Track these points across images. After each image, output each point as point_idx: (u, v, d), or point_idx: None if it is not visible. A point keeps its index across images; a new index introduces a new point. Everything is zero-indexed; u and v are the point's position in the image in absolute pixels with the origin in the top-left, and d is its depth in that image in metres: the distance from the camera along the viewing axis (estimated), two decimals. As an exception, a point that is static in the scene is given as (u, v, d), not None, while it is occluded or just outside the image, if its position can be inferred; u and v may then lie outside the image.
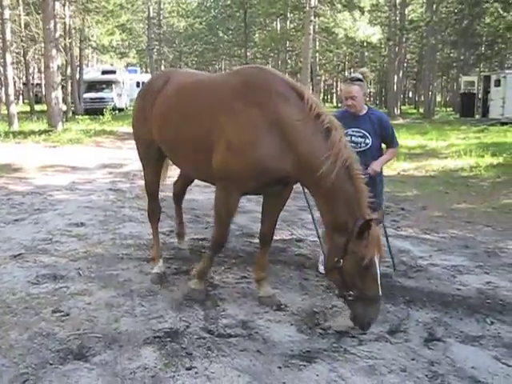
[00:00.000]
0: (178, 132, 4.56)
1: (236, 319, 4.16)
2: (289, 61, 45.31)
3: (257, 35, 47.78)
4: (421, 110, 44.93)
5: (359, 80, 4.91)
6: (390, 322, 4.19)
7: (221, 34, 50.03)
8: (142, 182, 5.65)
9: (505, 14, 17.05)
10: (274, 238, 5.11)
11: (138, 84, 41.07)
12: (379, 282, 3.83)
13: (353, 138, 4.93)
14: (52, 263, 5.47)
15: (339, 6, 24.31)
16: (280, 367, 3.46)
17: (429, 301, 4.62)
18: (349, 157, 3.85)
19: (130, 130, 6.05)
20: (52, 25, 19.62)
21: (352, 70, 55.18)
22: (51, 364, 3.47)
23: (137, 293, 4.72)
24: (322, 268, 5.10)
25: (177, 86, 4.79)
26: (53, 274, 5.14)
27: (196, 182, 5.96)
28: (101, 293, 4.70)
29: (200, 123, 4.33)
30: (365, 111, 5.04)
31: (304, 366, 3.49)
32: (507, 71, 30.57)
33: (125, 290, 4.79)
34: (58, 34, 20.87)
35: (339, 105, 45.80)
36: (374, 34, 24.79)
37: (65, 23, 27.16)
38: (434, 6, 36.70)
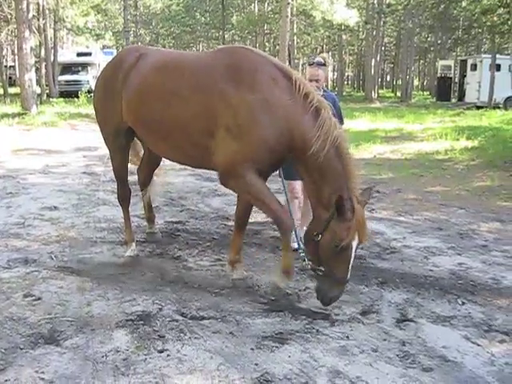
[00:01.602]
0: (161, 114, 4.35)
1: (209, 301, 4.15)
2: (266, 44, 45.12)
3: (234, 17, 47.41)
4: (398, 94, 45.19)
5: (324, 65, 5.35)
6: (362, 302, 4.23)
7: (198, 16, 49.45)
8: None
9: (480, -2, 17.20)
10: (249, 220, 5.10)
11: (114, 66, 40.37)
12: (350, 266, 3.87)
13: None
14: (24, 247, 5.39)
15: (317, -11, 24.21)
16: (252, 349, 3.46)
17: (401, 282, 4.67)
18: (338, 136, 3.89)
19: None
20: (25, 5, 19.15)
21: (329, 53, 55.19)
22: (22, 348, 3.42)
23: (110, 276, 4.68)
24: (294, 245, 5.18)
25: (156, 63, 4.54)
26: (24, 258, 5.07)
27: (171, 164, 5.91)
28: (73, 277, 4.65)
29: (189, 106, 4.17)
30: (321, 92, 5.24)
31: (276, 347, 3.50)
32: (483, 55, 30.84)
33: (98, 273, 4.75)
34: (31, 15, 20.42)
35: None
36: (352, 17, 24.72)
37: (38, 4, 26.53)
38: (412, -10, 36.77)
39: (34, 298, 4.18)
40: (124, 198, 5.29)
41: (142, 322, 3.77)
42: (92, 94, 6.01)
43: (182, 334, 3.62)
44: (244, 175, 4.03)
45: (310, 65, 5.37)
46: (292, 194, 5.53)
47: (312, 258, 4.04)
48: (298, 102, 3.92)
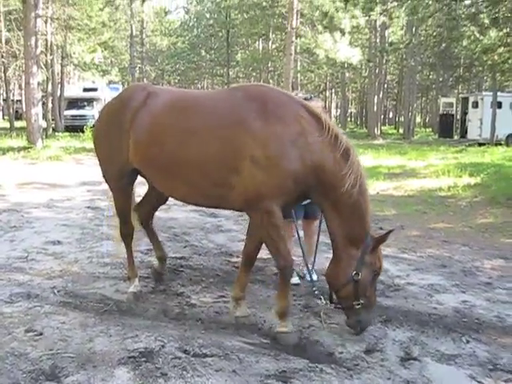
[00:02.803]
0: (177, 154, 4.25)
1: (212, 339, 4.12)
2: (271, 80, 45.64)
3: (239, 55, 48.16)
4: (401, 131, 45.48)
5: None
6: (366, 341, 4.19)
7: (203, 53, 50.33)
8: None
9: (481, 38, 17.37)
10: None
11: (119, 101, 40.79)
12: None
13: None
14: (27, 282, 5.38)
15: (320, 28, 24.48)
16: (255, 387, 3.43)
17: (405, 320, 4.63)
18: (362, 174, 4.08)
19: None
20: (33, 41, 19.57)
21: (332, 90, 55.79)
22: (22, 385, 3.39)
23: (112, 312, 4.66)
24: (295, 279, 5.47)
25: (168, 103, 4.47)
26: (27, 292, 5.05)
27: (175, 200, 5.92)
28: (75, 312, 4.63)
29: (210, 143, 4.10)
30: None
31: (280, 386, 3.46)
32: (484, 93, 31.16)
33: (100, 309, 4.73)
34: (39, 51, 20.77)
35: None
36: (354, 56, 24.99)
37: (46, 40, 27.07)
38: (414, 29, 37.37)
39: (35, 333, 4.15)
40: (127, 235, 5.22)
41: (144, 359, 3.74)
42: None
43: (184, 372, 3.58)
44: (268, 209, 4.01)
45: (308, 99, 5.51)
46: (291, 233, 5.61)
47: (349, 296, 4.12)
48: (329, 142, 4.01)
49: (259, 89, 4.46)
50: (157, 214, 5.86)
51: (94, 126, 5.29)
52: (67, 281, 5.47)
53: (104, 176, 5.08)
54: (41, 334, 4.15)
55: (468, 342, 4.22)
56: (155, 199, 5.47)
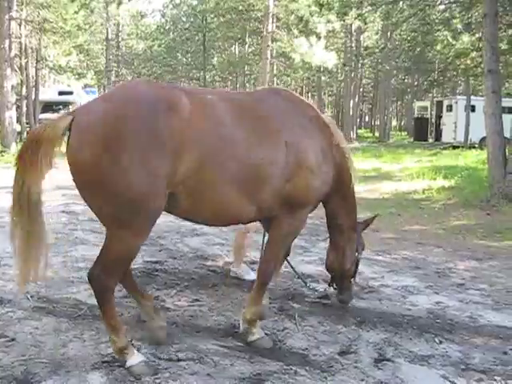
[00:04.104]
0: (255, 166, 3.68)
1: (187, 343, 4.10)
2: (247, 84, 45.75)
3: (215, 58, 48.16)
4: (376, 134, 45.88)
5: None
6: (340, 342, 4.21)
7: (180, 57, 50.15)
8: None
9: (454, 43, 17.68)
10: (228, 260, 5.11)
11: (95, 105, 40.40)
12: None
13: None
14: (-1, 287, 5.31)
15: (296, 32, 24.68)
16: (230, 390, 3.42)
17: (379, 321, 4.67)
18: None
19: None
20: (7, 44, 19.41)
21: (309, 94, 56.06)
22: (-7, 392, 3.35)
23: (86, 317, 4.61)
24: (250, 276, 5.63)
25: (223, 107, 3.69)
26: (-1, 298, 4.98)
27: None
28: (49, 317, 4.57)
29: (281, 150, 3.78)
30: None
31: (254, 388, 3.46)
32: (458, 97, 31.63)
33: (74, 313, 4.68)
34: (13, 54, 20.57)
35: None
36: (330, 60, 25.14)
37: (21, 43, 26.75)
38: (389, 34, 37.78)
39: (7, 339, 4.08)
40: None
41: (118, 364, 3.70)
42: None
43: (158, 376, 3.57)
44: (304, 217, 4.21)
45: None
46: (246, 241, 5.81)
47: (350, 276, 4.86)
48: (338, 144, 4.32)
49: (290, 93, 4.38)
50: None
51: (77, 152, 3.50)
52: (41, 286, 5.39)
53: (116, 222, 3.52)
54: (13, 339, 4.08)
55: (441, 342, 4.27)
56: None
